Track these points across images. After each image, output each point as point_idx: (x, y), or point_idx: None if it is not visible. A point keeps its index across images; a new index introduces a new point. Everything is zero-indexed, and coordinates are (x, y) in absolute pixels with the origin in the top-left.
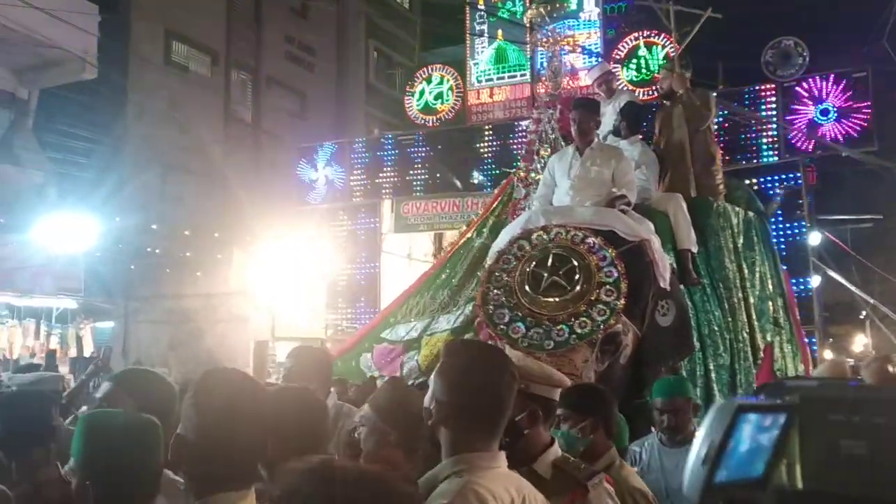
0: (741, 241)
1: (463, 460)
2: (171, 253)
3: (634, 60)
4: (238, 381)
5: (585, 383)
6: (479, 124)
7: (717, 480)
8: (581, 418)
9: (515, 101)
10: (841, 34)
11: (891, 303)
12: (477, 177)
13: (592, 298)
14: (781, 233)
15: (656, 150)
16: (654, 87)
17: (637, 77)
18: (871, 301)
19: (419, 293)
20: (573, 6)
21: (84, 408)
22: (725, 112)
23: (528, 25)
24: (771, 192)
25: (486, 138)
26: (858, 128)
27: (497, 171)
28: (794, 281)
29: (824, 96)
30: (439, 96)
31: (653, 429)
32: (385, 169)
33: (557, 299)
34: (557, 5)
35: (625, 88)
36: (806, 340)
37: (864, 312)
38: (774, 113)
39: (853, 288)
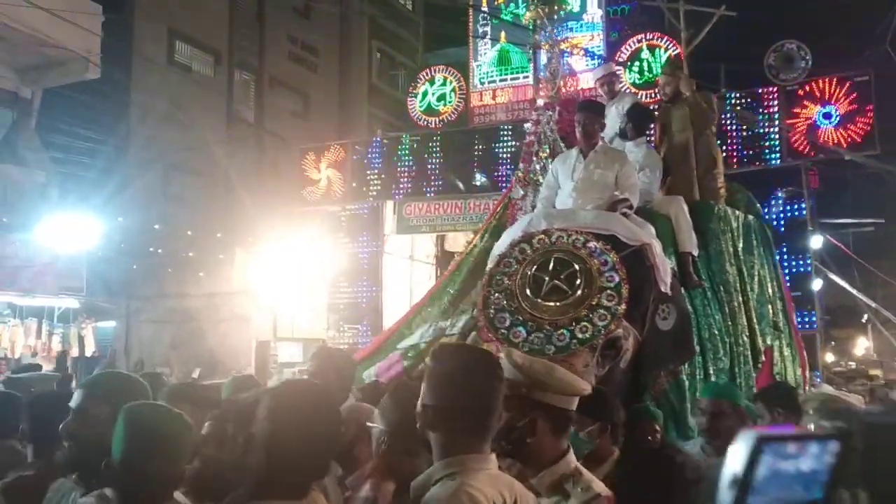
0: (741, 244)
1: (455, 462)
2: (174, 253)
3: (637, 63)
4: (314, 398)
5: (595, 387)
6: (482, 126)
7: None
8: (589, 422)
9: (518, 104)
10: (844, 38)
11: (893, 307)
12: (479, 178)
13: (594, 303)
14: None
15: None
16: (656, 90)
17: (640, 80)
18: (873, 305)
19: (432, 302)
20: (576, 8)
21: None
22: (730, 115)
23: (530, 27)
24: (773, 195)
25: (489, 140)
26: (861, 131)
27: (499, 173)
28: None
29: (827, 100)
30: (442, 98)
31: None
32: (387, 170)
33: (558, 303)
34: (557, 7)
35: (627, 91)
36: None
37: (866, 316)
38: (777, 116)
39: (855, 292)
